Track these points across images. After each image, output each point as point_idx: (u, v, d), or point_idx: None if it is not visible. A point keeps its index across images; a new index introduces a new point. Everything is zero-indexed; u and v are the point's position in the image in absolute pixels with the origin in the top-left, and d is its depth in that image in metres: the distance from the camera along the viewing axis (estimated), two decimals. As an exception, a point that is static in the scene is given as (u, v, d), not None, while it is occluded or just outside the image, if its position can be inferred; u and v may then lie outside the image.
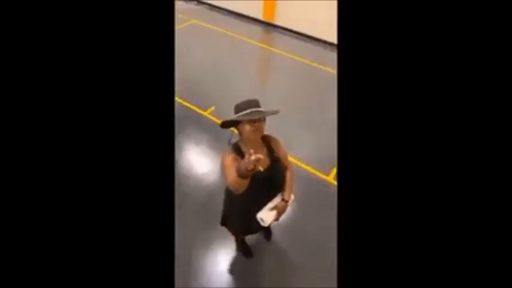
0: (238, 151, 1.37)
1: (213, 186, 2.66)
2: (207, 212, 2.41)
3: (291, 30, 5.61)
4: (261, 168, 1.08)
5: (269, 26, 5.80)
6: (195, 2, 6.55)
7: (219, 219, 1.89)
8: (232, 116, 1.33)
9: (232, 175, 1.22)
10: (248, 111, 1.28)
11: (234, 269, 2.10)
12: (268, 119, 1.40)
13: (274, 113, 1.30)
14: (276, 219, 1.48)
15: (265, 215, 1.45)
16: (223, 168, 1.32)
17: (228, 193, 1.60)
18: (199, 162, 2.91)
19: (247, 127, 1.29)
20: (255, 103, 1.32)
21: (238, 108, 1.32)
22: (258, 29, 5.78)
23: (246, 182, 1.18)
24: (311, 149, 3.10)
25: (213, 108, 3.53)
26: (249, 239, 2.18)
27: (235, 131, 1.42)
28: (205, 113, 3.46)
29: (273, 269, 2.13)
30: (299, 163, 2.91)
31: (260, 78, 4.62)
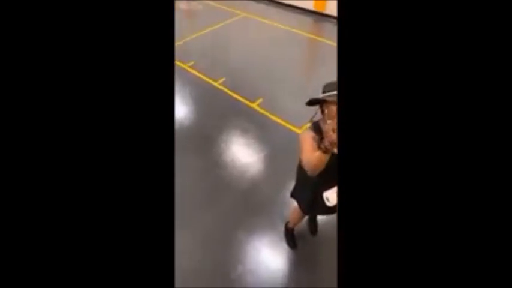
0: (318, 130, 1.39)
1: (257, 176, 2.71)
2: (248, 201, 2.47)
3: (343, 20, 5.36)
4: (337, 151, 1.12)
5: (319, 16, 5.62)
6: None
7: (260, 209, 1.91)
8: (320, 95, 1.34)
9: (307, 152, 1.26)
10: (336, 92, 1.28)
11: (274, 258, 2.13)
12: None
13: None
14: None
15: (332, 195, 1.53)
16: (300, 145, 1.36)
17: (302, 168, 1.63)
18: (244, 152, 2.98)
19: (333, 107, 1.30)
20: None
21: (327, 88, 1.33)
22: (308, 19, 5.64)
23: (324, 161, 1.19)
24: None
25: (260, 100, 3.56)
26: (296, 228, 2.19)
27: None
28: (253, 105, 3.51)
29: (314, 261, 2.11)
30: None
31: (309, 68, 4.53)
